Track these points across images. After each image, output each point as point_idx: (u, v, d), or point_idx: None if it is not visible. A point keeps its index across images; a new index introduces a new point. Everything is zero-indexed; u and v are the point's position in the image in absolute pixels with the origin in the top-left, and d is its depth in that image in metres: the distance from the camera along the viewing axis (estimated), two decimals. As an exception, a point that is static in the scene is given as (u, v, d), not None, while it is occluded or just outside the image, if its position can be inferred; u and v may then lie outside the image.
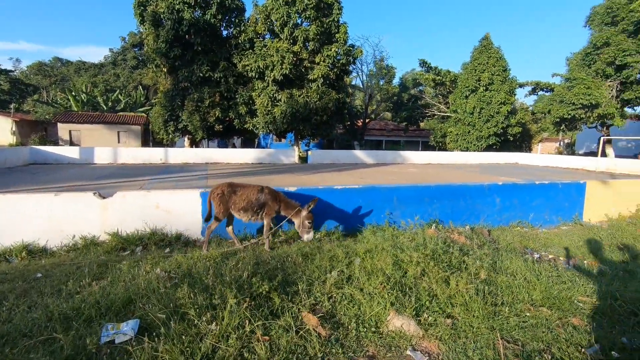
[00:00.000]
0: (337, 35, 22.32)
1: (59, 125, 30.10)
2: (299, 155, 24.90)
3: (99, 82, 47.30)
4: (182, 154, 20.96)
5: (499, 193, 6.92)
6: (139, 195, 5.03)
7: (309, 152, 24.06)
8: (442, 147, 35.20)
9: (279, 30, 22.05)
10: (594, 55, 23.71)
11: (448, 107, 33.18)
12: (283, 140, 38.29)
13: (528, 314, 3.13)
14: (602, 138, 24.11)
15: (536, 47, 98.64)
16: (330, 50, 21.76)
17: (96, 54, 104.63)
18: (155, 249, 4.80)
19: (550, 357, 2.63)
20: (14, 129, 32.91)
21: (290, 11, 21.34)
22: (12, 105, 39.26)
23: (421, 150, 40.59)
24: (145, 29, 22.58)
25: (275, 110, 21.73)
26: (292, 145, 27.69)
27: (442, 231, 5.87)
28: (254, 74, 21.87)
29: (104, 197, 4.86)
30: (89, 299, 3.14)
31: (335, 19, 22.31)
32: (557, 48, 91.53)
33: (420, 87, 40.27)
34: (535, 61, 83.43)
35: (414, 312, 3.08)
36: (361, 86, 40.67)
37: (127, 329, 2.66)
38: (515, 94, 28.92)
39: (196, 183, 12.09)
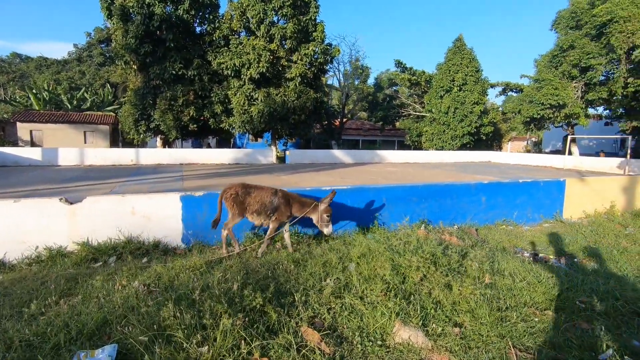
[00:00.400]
0: (314, 33, 22.11)
1: (19, 124, 28.16)
2: (277, 155, 24.52)
3: (63, 79, 44.81)
4: (155, 154, 20.10)
5: (484, 192, 6.92)
6: (112, 200, 4.59)
7: (287, 152, 23.72)
8: (417, 147, 35.74)
9: (255, 27, 21.57)
10: (561, 58, 24.70)
11: (423, 107, 33.71)
12: (260, 140, 37.70)
13: (536, 319, 3.01)
14: (568, 137, 25.14)
15: (505, 49, 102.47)
16: (308, 49, 21.51)
17: (59, 50, 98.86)
18: (131, 259, 4.38)
19: (564, 365, 2.51)
20: (-34, 128, 30.53)
21: (266, 8, 20.92)
22: (-36, 104, 36.45)
23: (397, 149, 41.12)
24: (113, 23, 21.48)
25: (252, 109, 21.24)
26: (269, 145, 27.24)
27: (432, 232, 5.76)
28: (229, 72, 21.29)
29: (71, 203, 4.40)
30: (56, 322, 2.75)
31: (312, 18, 22.09)
32: (525, 50, 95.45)
33: (395, 87, 40.75)
34: (504, 63, 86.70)
35: (421, 321, 2.90)
36: (337, 86, 40.70)
37: (103, 356, 2.31)
38: (487, 94, 29.76)
39: (172, 185, 11.53)
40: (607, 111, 27.28)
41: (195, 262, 4.00)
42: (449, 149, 28.88)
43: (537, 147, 47.40)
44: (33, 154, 17.49)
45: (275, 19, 22.03)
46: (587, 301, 3.38)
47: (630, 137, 21.79)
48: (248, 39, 21.39)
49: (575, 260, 4.74)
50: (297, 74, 21.40)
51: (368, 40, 78.92)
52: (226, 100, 22.27)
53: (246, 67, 20.91)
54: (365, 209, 5.96)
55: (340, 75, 39.58)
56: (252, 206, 4.55)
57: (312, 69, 22.40)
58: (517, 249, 5.34)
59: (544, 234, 6.32)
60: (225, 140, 34.18)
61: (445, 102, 28.30)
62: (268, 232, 4.70)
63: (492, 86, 31.97)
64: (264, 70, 20.68)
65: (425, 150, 30.68)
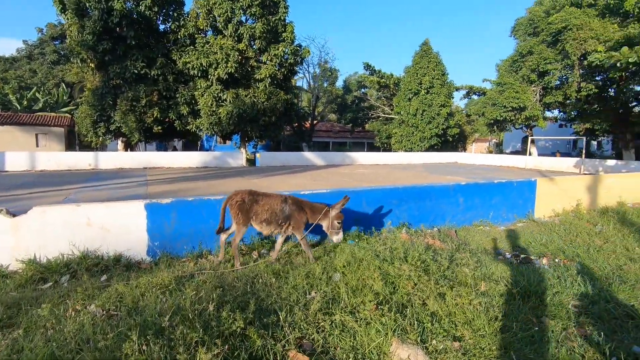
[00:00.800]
0: (283, 34, 21.78)
1: (-42, 126, 25.62)
2: (247, 157, 23.89)
3: (11, 78, 41.47)
4: (116, 158, 18.93)
5: (462, 193, 6.89)
6: (65, 211, 4.04)
7: (257, 155, 23.16)
8: (387, 148, 36.23)
9: (222, 26, 20.91)
10: (520, 63, 25.87)
11: (392, 109, 34.22)
12: (228, 142, 36.76)
13: (536, 327, 2.88)
14: (529, 138, 26.39)
15: (468, 54, 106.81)
16: (278, 49, 21.13)
17: (6, 46, 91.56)
18: (88, 278, 3.85)
19: (570, 378, 2.37)
20: None
21: (234, 7, 20.34)
22: None
23: (367, 151, 41.49)
24: (67, 18, 20.04)
25: (220, 110, 20.54)
26: (239, 148, 26.51)
27: (414, 235, 5.62)
28: (196, 72, 20.48)
29: (14, 215, 3.82)
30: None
31: (282, 18, 21.75)
32: (487, 55, 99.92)
33: (364, 90, 41.18)
34: (467, 67, 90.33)
35: (419, 337, 2.67)
36: (306, 87, 40.53)
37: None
38: (452, 97, 30.67)
39: (135, 191, 10.78)
40: (562, 114, 28.89)
41: (164, 279, 3.57)
42: (418, 151, 29.44)
43: (499, 148, 49.52)
44: (-25, 158, 15.89)
45: (243, 18, 21.49)
46: (580, 305, 3.30)
47: (584, 139, 23.14)
48: (215, 38, 20.69)
49: (557, 260, 4.74)
50: (267, 75, 20.96)
51: (337, 42, 79.53)
52: (193, 101, 21.40)
53: (214, 67, 20.20)
54: (344, 212, 5.71)
55: (310, 77, 39.50)
56: (260, 215, 4.23)
57: (282, 70, 22.05)
58: (498, 251, 5.29)
59: (521, 234, 6.36)
60: (192, 142, 32.99)
61: (413, 104, 28.83)
62: (302, 243, 4.46)
63: (457, 89, 33.02)
64: (233, 71, 20.07)
65: (395, 151, 31.14)
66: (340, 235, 4.40)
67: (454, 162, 28.44)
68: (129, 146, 25.21)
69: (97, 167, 17.96)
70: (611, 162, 20.14)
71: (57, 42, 45.16)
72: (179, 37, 21.27)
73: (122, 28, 19.94)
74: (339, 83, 44.89)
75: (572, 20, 21.63)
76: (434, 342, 2.62)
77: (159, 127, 21.33)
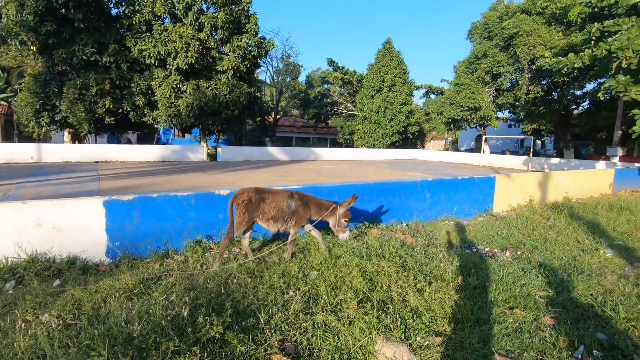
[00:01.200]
0: (247, 25, 21.18)
1: None
2: (208, 152, 23.07)
3: None
4: (62, 151, 17.47)
5: (429, 189, 7.08)
6: (9, 209, 3.58)
7: (219, 149, 22.44)
8: (349, 144, 36.66)
9: (182, 14, 19.92)
10: (475, 65, 27.17)
11: (355, 106, 34.61)
12: (187, 135, 35.32)
13: (510, 319, 2.98)
14: (483, 137, 27.85)
15: (426, 55, 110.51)
16: (241, 40, 20.52)
17: None
18: (38, 283, 3.47)
19: (545, 367, 2.47)
20: None
21: (194, -6, 19.42)
22: None
23: (330, 146, 41.73)
24: (4, -5, 18.06)
25: (179, 102, 19.60)
26: (199, 142, 25.52)
27: (385, 231, 5.67)
28: (152, 61, 19.34)
29: (-54, 215, 3.33)
30: None
31: (245, 9, 21.12)
32: (444, 56, 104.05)
33: (327, 85, 41.25)
34: (426, 67, 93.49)
35: (402, 334, 2.66)
36: (268, 81, 39.87)
37: None
38: (413, 96, 31.61)
39: (85, 186, 9.99)
40: (512, 114, 30.79)
41: (128, 282, 3.28)
42: (380, 147, 30.06)
43: (454, 146, 51.91)
44: None
45: (204, 6, 20.62)
46: (545, 295, 3.48)
47: (532, 138, 24.83)
48: (174, 26, 19.63)
49: (519, 253, 4.99)
50: (230, 67, 20.30)
51: (300, 37, 78.91)
52: (149, 92, 20.22)
53: (172, 56, 19.19)
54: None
55: (273, 71, 38.88)
56: (267, 213, 4.15)
57: (246, 63, 21.46)
58: (466, 245, 5.48)
59: (484, 228, 6.64)
60: (147, 135, 31.29)
61: (376, 101, 29.34)
62: (290, 237, 4.37)
63: (417, 88, 34.06)
64: (193, 61, 19.19)
65: (357, 147, 31.58)
66: (347, 234, 4.37)
67: (413, 159, 29.39)
68: (77, 138, 23.38)
69: (41, 160, 16.46)
70: (555, 160, 21.79)
71: (-10, 22, 40.69)
72: (133, 22, 19.92)
73: (68, 9, 18.34)
74: (302, 78, 44.71)
75: (522, 27, 23.03)
76: (417, 338, 2.62)
77: (112, 119, 19.94)
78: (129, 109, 20.30)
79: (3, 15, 19.63)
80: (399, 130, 29.76)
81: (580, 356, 2.58)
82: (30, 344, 2.28)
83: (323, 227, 4.99)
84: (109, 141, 30.33)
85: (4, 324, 2.58)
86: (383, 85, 29.31)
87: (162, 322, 2.48)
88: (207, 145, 23.91)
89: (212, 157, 23.42)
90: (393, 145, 30.67)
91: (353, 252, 4.03)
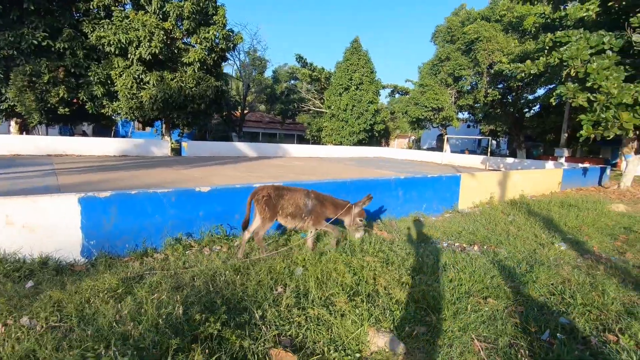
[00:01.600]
0: (215, 17, 20.62)
1: None
2: (172, 146, 22.27)
3: None
4: (10, 142, 16.17)
5: (402, 186, 7.37)
6: (-27, 207, 3.33)
7: (184, 144, 21.74)
8: (316, 141, 36.83)
9: (145, 1, 18.98)
10: (439, 67, 28.29)
11: (323, 103, 34.81)
12: (148, 129, 33.82)
13: (486, 307, 3.23)
14: (445, 136, 29.09)
15: (390, 55, 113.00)
16: (208, 32, 19.95)
17: None
18: (9, 286, 3.26)
19: (517, 349, 2.73)
20: None
21: (159, -19, 18.58)
22: None
23: (297, 143, 41.69)
24: (-61, -32, 16.30)
25: (142, 94, 18.74)
26: (162, 136, 24.54)
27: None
28: (112, 49, 18.29)
29: None
30: None
31: (213, 0, 20.55)
32: (409, 57, 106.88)
33: (294, 81, 41.08)
34: (390, 67, 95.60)
35: (391, 325, 2.82)
36: (234, 75, 39.03)
37: None
38: (379, 95, 32.32)
39: (40, 181, 9.35)
40: (472, 115, 32.41)
41: (110, 282, 3.19)
42: (347, 144, 30.50)
43: (417, 145, 53.72)
44: None
45: (169, -6, 19.79)
46: (514, 286, 3.80)
47: (489, 139, 26.31)
48: (136, 14, 18.68)
49: (486, 247, 5.36)
50: (196, 59, 19.68)
51: (267, 31, 77.64)
52: (109, 82, 19.13)
53: (134, 45, 18.27)
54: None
55: (239, 65, 38.09)
56: (285, 209, 4.29)
57: (213, 55, 20.91)
58: (436, 240, 5.79)
59: (451, 224, 7.02)
60: (105, 127, 29.57)
61: (344, 99, 29.68)
62: (309, 235, 4.47)
63: (384, 87, 34.86)
64: (157, 51, 18.38)
65: (325, 144, 31.84)
66: (361, 233, 4.44)
67: (379, 157, 30.14)
68: (25, 129, 21.66)
69: (-15, 153, 15.12)
70: (510, 160, 23.26)
71: None
72: (91, 7, 18.72)
73: (16, -11, 16.89)
74: (268, 73, 44.17)
75: (482, 32, 24.28)
76: (406, 328, 2.79)
77: (66, 109, 18.66)
78: (85, 99, 19.13)
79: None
80: (365, 129, 30.33)
81: (547, 338, 2.87)
82: (19, 348, 2.18)
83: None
84: (61, 133, 28.34)
85: (-21, 329, 2.43)
86: (351, 83, 29.70)
87: (159, 320, 2.46)
88: (170, 139, 23.08)
89: (176, 151, 22.65)
90: (360, 142, 31.23)
91: (341, 251, 4.15)
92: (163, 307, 2.67)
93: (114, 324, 2.49)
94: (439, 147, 44.77)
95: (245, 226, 4.34)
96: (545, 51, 12.51)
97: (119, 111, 19.62)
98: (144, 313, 2.63)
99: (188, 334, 2.41)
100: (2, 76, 17.56)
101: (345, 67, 30.04)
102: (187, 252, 4.38)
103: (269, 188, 4.33)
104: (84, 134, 29.99)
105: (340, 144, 30.74)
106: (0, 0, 16.60)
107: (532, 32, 20.21)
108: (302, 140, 43.67)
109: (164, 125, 23.94)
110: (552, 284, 3.86)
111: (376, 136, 34.70)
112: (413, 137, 56.30)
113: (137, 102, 18.92)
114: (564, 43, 11.65)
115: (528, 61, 12.14)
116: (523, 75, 12.90)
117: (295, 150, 26.54)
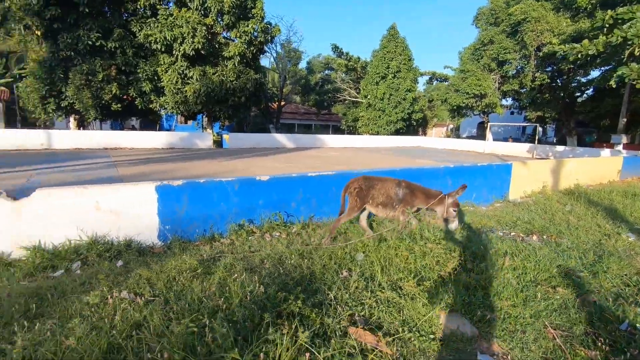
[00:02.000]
0: (253, 10, 20.92)
1: None
2: (213, 139, 23.08)
3: None
4: (72, 137, 17.47)
5: (451, 175, 7.25)
6: (71, 193, 3.71)
7: (226, 136, 22.44)
8: (352, 131, 36.67)
9: (188, -2, 19.63)
10: (482, 51, 27.05)
11: (359, 93, 34.49)
12: (190, 122, 35.17)
13: (557, 296, 3.18)
14: (488, 124, 27.92)
15: (429, 40, 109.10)
16: (247, 26, 20.31)
17: None
18: (100, 263, 3.64)
19: (595, 338, 2.68)
20: None
21: (200, -23, 19.11)
22: None
23: (332, 133, 41.73)
24: (7, -22, 17.76)
25: (186, 89, 19.52)
26: (205, 129, 25.49)
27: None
28: (159, 47, 19.15)
29: (15, 199, 3.46)
30: (40, 355, 2.12)
31: (251, -7, 20.84)
32: (449, 42, 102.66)
33: (327, 72, 40.88)
34: (429, 53, 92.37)
35: (462, 310, 2.86)
36: (269, 67, 39.54)
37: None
38: (417, 82, 31.49)
39: (103, 173, 10.10)
40: (516, 102, 30.80)
41: (191, 263, 3.46)
42: (384, 134, 30.12)
43: (456, 133, 51.96)
44: None
45: (209, -10, 20.30)
46: (583, 276, 3.69)
47: (536, 125, 24.93)
48: (179, 11, 19.38)
49: (545, 237, 5.20)
50: (236, 53, 20.16)
51: (301, 22, 77.68)
52: (156, 78, 20.10)
53: (179, 41, 19.02)
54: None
55: (275, 57, 38.51)
56: (376, 199, 4.46)
57: (252, 49, 21.29)
58: (491, 229, 5.68)
59: (504, 213, 6.84)
60: (152, 122, 31.13)
61: (380, 88, 29.25)
62: (401, 224, 4.47)
63: (422, 75, 33.92)
64: (200, 47, 19.04)
65: (361, 134, 31.63)
66: (456, 223, 4.46)
67: (417, 146, 29.50)
68: (82, 125, 23.33)
69: (51, 147, 16.47)
70: (560, 148, 21.97)
71: (-14, 5, 39.87)
72: (138, 7, 19.66)
73: (72, -7, 18.05)
74: (302, 64, 44.32)
75: (530, 13, 22.85)
76: (478, 312, 2.83)
77: (118, 105, 19.88)
78: (135, 95, 20.24)
79: (6, 0, 19.31)
80: (403, 117, 29.78)
81: (627, 328, 2.79)
82: (129, 317, 2.46)
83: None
84: (112, 127, 30.21)
85: (93, 300, 2.75)
86: (388, 71, 29.17)
87: (244, 297, 2.67)
88: (212, 132, 23.92)
89: (218, 144, 23.45)
90: (397, 132, 30.73)
91: (402, 237, 4.21)
92: (245, 286, 2.87)
93: (203, 299, 2.72)
94: (479, 135, 43.02)
95: (340, 214, 4.64)
96: (605, 29, 11.62)
97: (165, 106, 20.59)
98: (228, 291, 2.85)
99: (272, 311, 2.59)
100: (62, 76, 18.95)
101: (382, 55, 29.50)
102: (249, 238, 4.62)
103: (360, 180, 4.54)
104: (133, 128, 31.78)
105: (377, 133, 30.41)
106: (60, 5, 17.81)
107: (588, 9, 18.76)
108: (337, 130, 43.64)
109: (205, 119, 24.85)
110: (625, 275, 3.71)
111: (414, 125, 33.95)
112: (452, 126, 54.48)
113: (182, 96, 19.75)
114: (627, 20, 10.77)
115: (585, 41, 11.34)
116: (578, 56, 12.08)
117: (331, 140, 26.59)
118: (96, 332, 2.31)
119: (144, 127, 33.74)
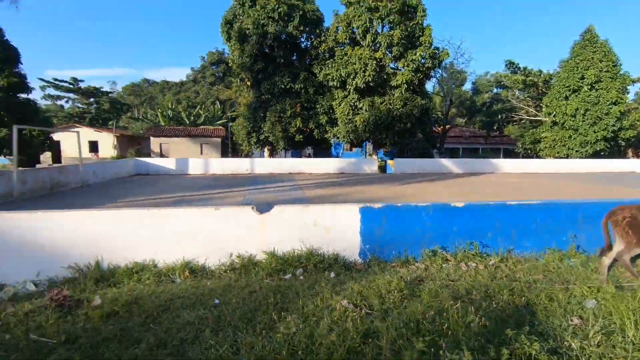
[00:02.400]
0: (421, 38, 21.25)
1: (152, 139, 32.73)
2: (378, 164, 24.03)
3: (182, 98, 51.22)
4: (266, 164, 21.27)
5: None
6: (296, 211, 4.54)
7: (390, 162, 23.04)
8: (530, 155, 31.92)
9: (360, 37, 21.58)
10: None
11: (539, 111, 29.99)
12: (354, 149, 37.75)
13: None
14: None
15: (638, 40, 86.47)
16: (415, 54, 20.72)
17: (177, 73, 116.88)
18: (315, 272, 4.24)
19: None
20: (115, 143, 36.59)
21: (372, 17, 20.77)
22: (110, 123, 43.97)
23: (502, 157, 37.32)
24: (231, 45, 23.55)
25: (356, 118, 21.17)
26: (366, 155, 26.91)
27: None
28: (335, 83, 21.59)
29: (260, 213, 4.46)
30: (296, 342, 2.58)
31: (420, 22, 21.28)
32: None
33: (496, 90, 37.10)
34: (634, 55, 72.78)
35: None
36: (432, 91, 38.80)
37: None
38: (628, 92, 25.16)
39: (293, 194, 11.81)
40: None
41: (397, 284, 3.62)
42: (577, 157, 25.00)
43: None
44: (168, 163, 19.90)
45: (379, 28, 21.80)
46: None
47: None
48: (353, 49, 21.46)
49: None
50: (403, 81, 20.74)
51: (468, 41, 73.98)
52: (330, 111, 22.62)
53: (352, 77, 20.97)
54: (555, 229, 5.02)
55: (438, 80, 37.68)
56: None
57: (418, 75, 21.51)
58: None
59: None
60: (322, 150, 34.94)
61: (572, 103, 24.67)
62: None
63: (633, 82, 26.98)
64: (370, 79, 20.48)
65: (544, 158, 27.14)
66: None
67: (631, 171, 23.13)
68: (273, 154, 28.16)
69: (253, 172, 20.48)
70: None
71: (214, 67, 53.94)
72: (319, 52, 22.81)
73: (272, 49, 22.45)
74: (467, 85, 41.76)
75: None
76: None
77: (300, 136, 23.20)
78: (313, 127, 23.22)
79: (229, 61, 25.61)
80: (605, 136, 24.12)
81: None
82: (358, 325, 2.75)
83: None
84: (293, 155, 35.36)
85: (320, 304, 3.20)
86: (582, 83, 24.43)
87: (468, 327, 2.60)
88: (377, 157, 24.97)
89: (382, 169, 24.25)
90: (596, 154, 25.03)
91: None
92: (464, 315, 2.80)
93: (423, 321, 2.79)
94: None
95: (603, 254, 3.97)
96: None
97: (338, 135, 22.80)
98: (445, 317, 2.84)
99: (500, 347, 2.43)
100: (262, 115, 23.54)
101: (574, 64, 25.00)
102: (444, 265, 4.52)
103: (633, 208, 3.85)
104: (309, 156, 36.32)
105: (567, 156, 25.51)
106: (264, 60, 22.44)
107: None
108: (509, 154, 38.83)
109: (371, 145, 26.21)
110: None
111: (621, 146, 27.01)
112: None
113: (352, 126, 21.49)
114: None
115: None
116: None
117: (505, 165, 23.74)
118: (335, 334, 2.67)
119: (317, 154, 38.13)
